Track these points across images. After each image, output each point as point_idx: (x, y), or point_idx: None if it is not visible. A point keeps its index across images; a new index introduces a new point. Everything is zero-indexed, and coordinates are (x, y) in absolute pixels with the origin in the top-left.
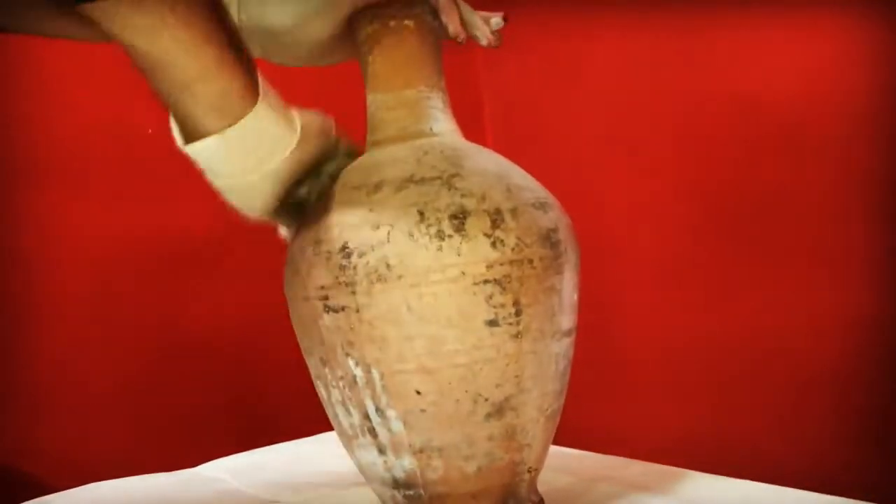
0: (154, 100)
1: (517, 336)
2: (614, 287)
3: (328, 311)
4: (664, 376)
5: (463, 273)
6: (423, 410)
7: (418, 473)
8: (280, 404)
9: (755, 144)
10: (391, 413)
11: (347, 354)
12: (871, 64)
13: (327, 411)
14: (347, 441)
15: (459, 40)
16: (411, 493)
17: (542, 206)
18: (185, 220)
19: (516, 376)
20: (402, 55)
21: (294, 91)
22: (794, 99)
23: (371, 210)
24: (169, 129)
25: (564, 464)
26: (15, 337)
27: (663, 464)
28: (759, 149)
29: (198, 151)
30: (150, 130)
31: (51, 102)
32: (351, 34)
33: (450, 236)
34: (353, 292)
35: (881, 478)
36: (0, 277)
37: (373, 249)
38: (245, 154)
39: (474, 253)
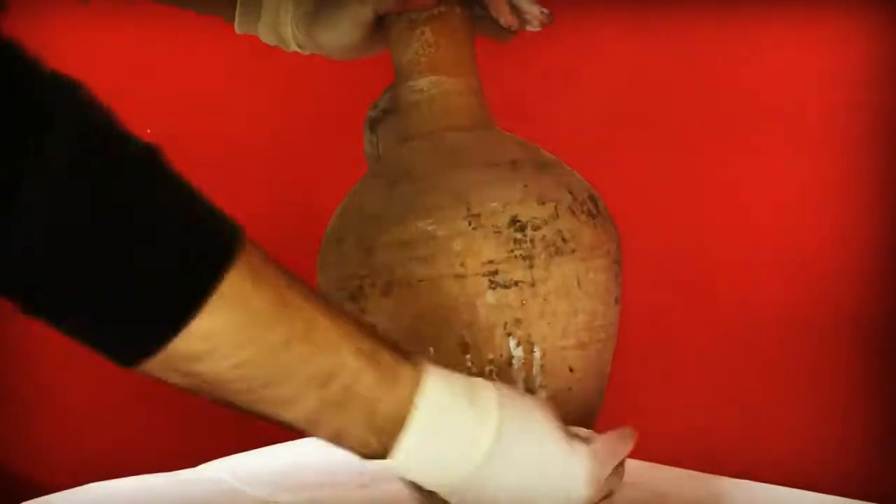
0: (153, 100)
1: (619, 315)
2: None
3: (494, 288)
4: (663, 376)
5: (608, 251)
6: (569, 389)
7: None
8: None
9: (755, 144)
10: (542, 394)
11: (510, 334)
12: (869, 63)
13: None
14: None
15: (513, 30)
16: None
17: None
18: None
19: (612, 353)
20: (467, 42)
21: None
22: (794, 98)
23: (526, 185)
24: (167, 129)
25: None
26: (15, 337)
27: (663, 464)
28: (759, 148)
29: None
30: (148, 130)
31: None
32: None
33: (596, 215)
34: (531, 266)
35: (881, 478)
36: None
37: (546, 223)
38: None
39: (611, 232)
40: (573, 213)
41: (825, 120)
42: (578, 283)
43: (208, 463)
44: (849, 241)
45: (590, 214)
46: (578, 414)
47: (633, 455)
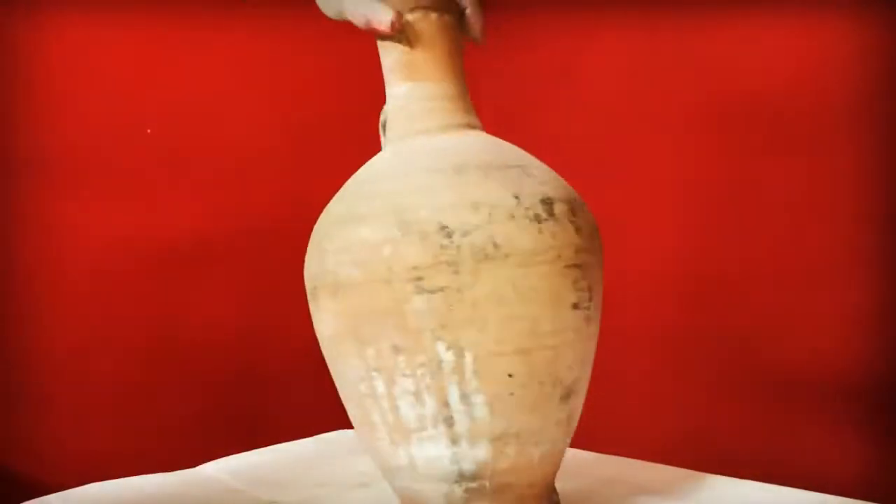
0: (154, 100)
1: (588, 320)
2: (613, 286)
3: (420, 293)
4: (662, 376)
5: (559, 256)
6: (511, 394)
7: (490, 462)
8: (280, 404)
9: (755, 143)
10: (478, 398)
11: (438, 338)
12: (867, 62)
13: (374, 407)
14: (404, 437)
15: (477, 43)
16: (475, 485)
17: (583, 201)
18: (184, 220)
19: (582, 360)
20: (443, 48)
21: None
22: (794, 97)
23: (464, 192)
24: (168, 129)
25: (572, 465)
26: (15, 337)
27: (663, 464)
28: (759, 148)
29: None
30: (149, 130)
31: (51, 102)
32: None
33: (545, 220)
34: (457, 272)
35: (881, 478)
36: (0, 277)
37: (477, 229)
38: None
39: (564, 237)
40: (512, 217)
41: (828, 119)
42: (514, 289)
43: (208, 463)
44: (853, 239)
45: (535, 219)
46: (534, 420)
47: (631, 455)
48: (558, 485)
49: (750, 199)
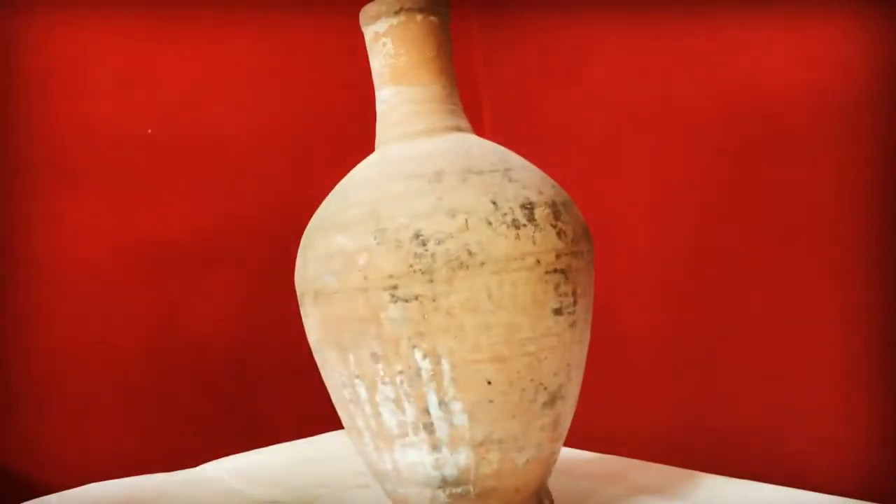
0: (154, 100)
1: (573, 325)
2: (614, 286)
3: (395, 301)
4: (663, 376)
5: (538, 261)
6: (490, 401)
7: (472, 468)
8: (280, 405)
9: (756, 143)
10: (457, 406)
11: (415, 346)
12: (869, 62)
13: (358, 413)
14: (387, 443)
15: None
16: (459, 490)
17: (572, 202)
18: (184, 220)
19: (567, 365)
20: (430, 50)
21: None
22: (797, 98)
23: (440, 199)
24: (168, 129)
25: (568, 465)
26: (15, 337)
27: (663, 464)
28: (761, 148)
29: None
30: (149, 130)
31: (51, 102)
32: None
33: (524, 225)
34: (431, 280)
35: (881, 478)
36: (0, 277)
37: (451, 237)
38: None
39: (546, 242)
40: (489, 224)
41: (828, 119)
42: (489, 297)
43: (208, 463)
44: (853, 239)
45: (512, 225)
46: (516, 426)
47: (631, 455)
48: (557, 485)
49: (750, 198)
